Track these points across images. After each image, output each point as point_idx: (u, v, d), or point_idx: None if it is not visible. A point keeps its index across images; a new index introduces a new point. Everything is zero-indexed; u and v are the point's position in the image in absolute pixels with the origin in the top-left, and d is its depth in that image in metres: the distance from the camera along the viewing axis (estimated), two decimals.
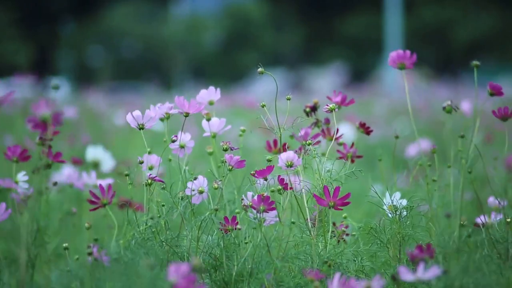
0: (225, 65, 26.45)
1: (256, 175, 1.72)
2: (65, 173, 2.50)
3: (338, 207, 1.69)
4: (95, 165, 2.52)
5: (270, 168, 1.72)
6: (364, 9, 26.50)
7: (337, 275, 1.48)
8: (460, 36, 25.19)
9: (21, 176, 1.77)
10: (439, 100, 8.21)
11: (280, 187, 1.71)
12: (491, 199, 1.95)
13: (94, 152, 2.53)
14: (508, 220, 1.69)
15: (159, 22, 27.39)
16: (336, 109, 1.81)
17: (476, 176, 1.76)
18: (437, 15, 25.28)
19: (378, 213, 1.95)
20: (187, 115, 1.80)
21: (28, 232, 1.62)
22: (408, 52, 1.80)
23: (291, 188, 1.73)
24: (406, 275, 1.46)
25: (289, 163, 1.73)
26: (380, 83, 16.05)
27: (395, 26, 18.07)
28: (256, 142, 5.22)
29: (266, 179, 1.72)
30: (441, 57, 24.74)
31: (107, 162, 2.55)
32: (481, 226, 1.71)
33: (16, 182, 1.76)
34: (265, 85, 15.14)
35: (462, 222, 1.68)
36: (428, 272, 1.45)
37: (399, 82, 14.88)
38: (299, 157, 1.73)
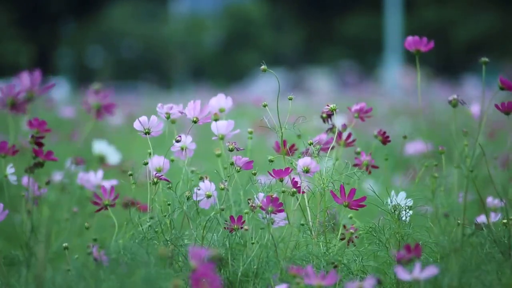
0: (225, 65, 26.45)
1: (272, 174, 1.72)
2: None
3: (353, 207, 1.69)
4: (101, 160, 2.51)
5: (287, 170, 1.72)
6: (364, 9, 26.51)
7: (309, 267, 1.49)
8: (460, 36, 25.19)
9: (9, 169, 1.76)
10: (439, 100, 8.21)
11: (294, 189, 1.71)
12: (490, 199, 1.95)
13: (99, 147, 2.52)
14: (504, 221, 1.70)
15: (159, 22, 27.40)
16: (337, 110, 1.82)
17: (478, 175, 1.75)
18: (437, 15, 25.28)
19: (378, 213, 1.94)
20: (196, 120, 1.78)
21: (27, 231, 1.62)
22: (424, 38, 1.81)
23: (303, 192, 1.73)
24: (403, 275, 1.45)
25: (306, 168, 1.73)
26: (381, 83, 16.05)
27: (395, 26, 18.07)
28: (255, 141, 5.22)
29: (281, 180, 1.72)
30: (441, 57, 24.73)
31: (113, 156, 2.54)
32: (482, 226, 1.71)
33: (5, 176, 1.75)
34: (265, 85, 15.15)
35: (463, 222, 1.67)
36: (425, 272, 1.45)
37: (399, 82, 14.89)
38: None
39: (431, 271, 1.45)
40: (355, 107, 1.88)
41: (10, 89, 1.56)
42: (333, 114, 1.91)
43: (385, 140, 1.93)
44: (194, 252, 1.34)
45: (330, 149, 1.83)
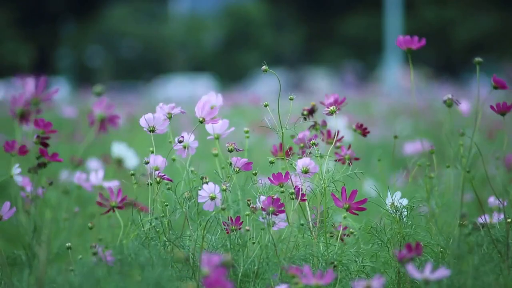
0: (225, 65, 26.44)
1: (272, 180, 1.71)
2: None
3: (353, 210, 1.69)
4: (119, 162, 2.51)
5: (287, 174, 1.72)
6: (364, 9, 26.50)
7: (306, 267, 1.49)
8: (460, 36, 25.19)
9: (16, 169, 1.76)
10: (439, 100, 8.21)
11: (293, 191, 1.70)
12: (492, 199, 1.95)
13: (118, 149, 2.51)
14: (509, 220, 1.70)
15: (159, 21, 27.39)
16: (337, 111, 1.82)
17: (476, 175, 1.76)
18: (437, 16, 25.27)
19: (378, 213, 1.95)
20: (202, 121, 1.78)
21: (30, 232, 1.62)
22: (415, 37, 1.82)
23: (303, 198, 1.72)
24: (415, 273, 1.45)
25: (305, 169, 1.73)
26: (380, 83, 16.05)
27: (395, 27, 18.07)
28: (254, 141, 5.22)
29: (281, 186, 1.72)
30: (441, 57, 24.73)
31: (131, 159, 2.54)
32: (481, 226, 1.72)
33: (11, 176, 1.75)
34: (266, 86, 15.14)
35: (462, 222, 1.68)
36: (436, 273, 1.45)
37: (399, 82, 14.89)
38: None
39: (443, 272, 1.44)
40: (328, 100, 1.87)
41: (19, 98, 1.56)
42: (314, 110, 1.93)
43: (364, 132, 1.94)
44: (207, 259, 1.36)
45: (316, 146, 1.82)
